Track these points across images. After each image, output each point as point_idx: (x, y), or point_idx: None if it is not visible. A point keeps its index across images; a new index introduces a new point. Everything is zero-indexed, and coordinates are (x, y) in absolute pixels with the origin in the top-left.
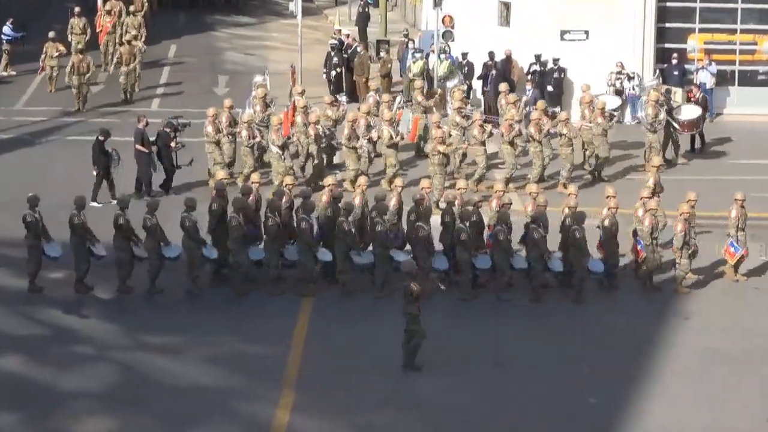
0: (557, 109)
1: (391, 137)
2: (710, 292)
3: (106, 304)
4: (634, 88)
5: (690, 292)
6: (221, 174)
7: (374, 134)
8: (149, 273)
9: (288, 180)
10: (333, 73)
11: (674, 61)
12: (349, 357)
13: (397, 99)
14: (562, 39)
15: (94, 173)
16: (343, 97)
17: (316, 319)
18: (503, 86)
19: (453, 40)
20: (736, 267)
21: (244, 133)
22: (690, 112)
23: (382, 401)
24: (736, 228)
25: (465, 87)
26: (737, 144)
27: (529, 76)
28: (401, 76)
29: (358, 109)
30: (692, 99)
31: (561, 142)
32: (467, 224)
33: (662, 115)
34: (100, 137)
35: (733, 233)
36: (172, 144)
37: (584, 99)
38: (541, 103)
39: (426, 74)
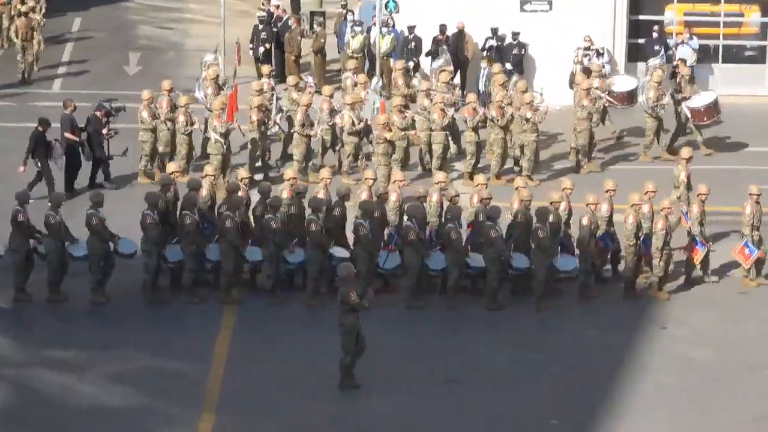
0: (540, 89)
1: (353, 123)
2: (691, 297)
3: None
4: (604, 66)
5: (670, 298)
6: (172, 167)
7: (338, 120)
8: (48, 278)
9: (242, 173)
10: (261, 49)
11: (655, 35)
12: (278, 375)
13: (374, 81)
14: (522, 10)
15: (36, 167)
16: (309, 78)
17: (241, 330)
18: (497, 67)
19: (398, 12)
20: (751, 270)
21: (181, 118)
22: (703, 97)
23: (316, 426)
24: (751, 226)
25: (451, 68)
26: (724, 128)
27: (485, 53)
28: (338, 52)
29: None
30: (681, 76)
31: (524, 128)
32: (414, 221)
33: (666, 99)
34: (39, 128)
35: (748, 232)
36: (104, 131)
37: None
38: (522, 84)
39: (367, 51)
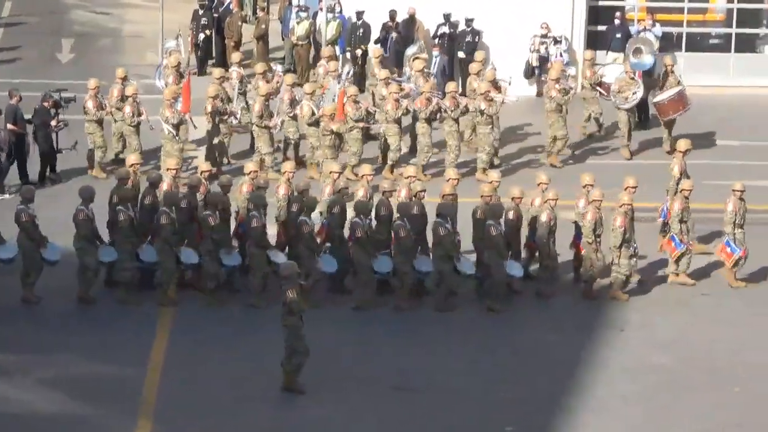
0: (507, 78)
1: (313, 113)
2: (651, 298)
3: None
4: (561, 54)
5: (628, 299)
6: (133, 159)
7: (298, 110)
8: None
9: (204, 167)
10: (201, 35)
11: (617, 22)
12: (217, 379)
13: (345, 69)
14: None
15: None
16: (278, 67)
17: (178, 333)
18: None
19: None
20: (676, 262)
21: (128, 109)
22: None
23: None
24: (733, 224)
25: (426, 55)
26: (687, 121)
27: (437, 40)
28: (282, 39)
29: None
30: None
31: (478, 120)
32: (362, 218)
33: (639, 93)
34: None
35: (730, 230)
36: (53, 123)
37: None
38: (490, 73)
39: (313, 37)
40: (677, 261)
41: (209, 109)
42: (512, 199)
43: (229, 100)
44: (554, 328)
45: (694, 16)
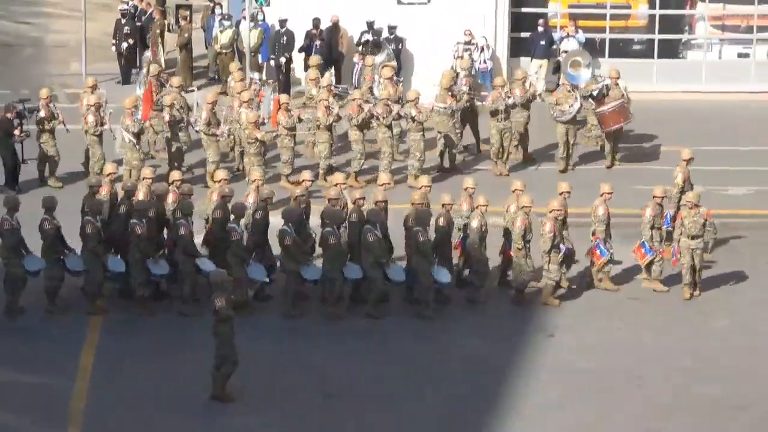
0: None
1: (263, 122)
2: (580, 303)
3: None
4: (485, 61)
5: (560, 305)
6: (176, 175)
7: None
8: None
9: (175, 175)
10: (124, 45)
11: (540, 29)
12: (147, 388)
13: (325, 76)
14: (400, 2)
15: None
16: (255, 75)
17: (107, 342)
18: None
19: (268, 5)
20: (647, 269)
21: (91, 118)
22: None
23: None
24: (651, 228)
25: (395, 63)
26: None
27: (360, 48)
28: (206, 48)
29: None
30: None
31: (409, 127)
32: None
33: (576, 105)
34: None
35: (647, 233)
36: (16, 133)
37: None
38: (467, 77)
39: (236, 45)
40: (648, 267)
41: (167, 118)
42: (443, 205)
43: (189, 108)
44: (483, 333)
45: (616, 22)
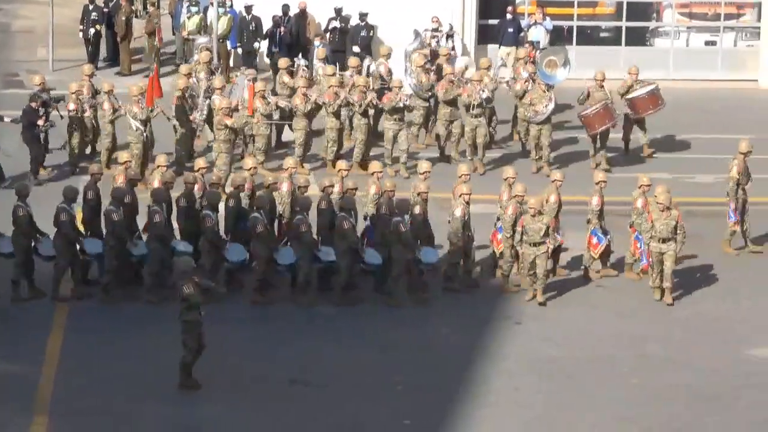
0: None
1: (235, 109)
2: (547, 291)
3: None
4: (453, 49)
5: (518, 291)
6: (202, 162)
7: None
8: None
9: (201, 163)
10: (91, 31)
11: (509, 17)
12: (114, 375)
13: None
14: None
15: None
16: (302, 61)
17: (73, 330)
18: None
19: None
20: (601, 259)
21: (106, 105)
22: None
23: (155, 428)
24: (599, 216)
25: (427, 51)
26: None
27: (328, 35)
28: (173, 34)
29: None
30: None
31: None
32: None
33: (551, 106)
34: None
35: (596, 221)
36: (40, 122)
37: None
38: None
39: (204, 32)
40: (602, 256)
41: (176, 103)
42: (418, 194)
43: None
44: (451, 321)
45: (584, 9)
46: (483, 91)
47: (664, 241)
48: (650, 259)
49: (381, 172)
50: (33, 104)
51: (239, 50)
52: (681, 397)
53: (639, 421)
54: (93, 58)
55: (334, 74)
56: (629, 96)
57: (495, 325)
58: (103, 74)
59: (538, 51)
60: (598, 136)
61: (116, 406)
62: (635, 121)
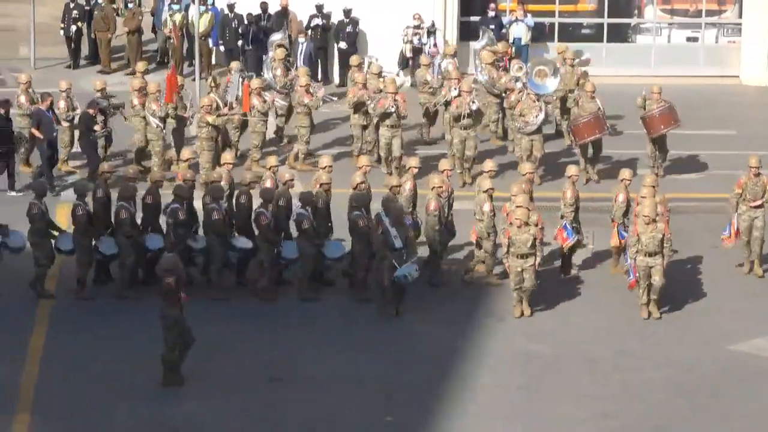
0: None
1: (218, 107)
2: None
3: None
4: (435, 45)
5: (501, 284)
6: (228, 157)
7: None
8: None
9: (227, 158)
10: (73, 28)
11: (491, 13)
12: (96, 373)
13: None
14: None
15: None
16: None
17: (56, 327)
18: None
19: None
20: (570, 254)
21: (62, 104)
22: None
23: (136, 426)
24: (572, 209)
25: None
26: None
27: (310, 32)
28: (154, 32)
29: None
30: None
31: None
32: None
33: (541, 116)
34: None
35: (569, 215)
36: (96, 128)
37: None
38: (375, 67)
39: (186, 30)
40: (570, 251)
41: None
42: (432, 188)
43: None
44: (434, 317)
45: (565, 6)
46: (473, 102)
47: (651, 254)
48: (637, 274)
49: (276, 166)
50: (90, 110)
51: (221, 48)
52: (662, 392)
53: (621, 417)
54: (74, 56)
55: (380, 73)
56: (571, 123)
57: (478, 322)
58: (84, 72)
59: (512, 47)
60: (589, 147)
61: (98, 404)
62: (653, 142)
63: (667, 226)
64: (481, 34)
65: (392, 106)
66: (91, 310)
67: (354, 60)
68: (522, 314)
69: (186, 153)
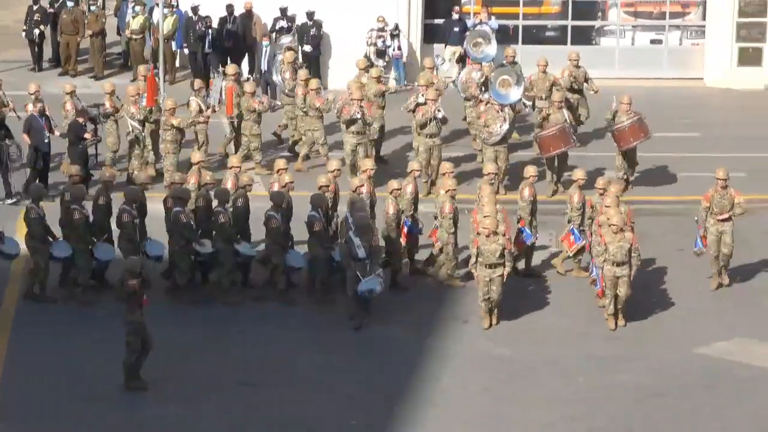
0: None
1: (201, 110)
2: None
3: None
4: (399, 48)
5: (464, 286)
6: (235, 161)
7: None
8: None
9: (234, 161)
10: (36, 31)
11: (455, 16)
12: (60, 379)
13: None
14: None
15: None
16: (440, 59)
17: (19, 333)
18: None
19: None
20: (575, 258)
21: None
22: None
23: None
24: (579, 213)
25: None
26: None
27: (274, 35)
28: (118, 34)
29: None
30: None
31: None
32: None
33: (505, 126)
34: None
35: (576, 218)
36: (87, 136)
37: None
38: (375, 71)
39: (150, 32)
40: (576, 255)
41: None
42: (354, 190)
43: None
44: (398, 320)
45: (529, 8)
46: (439, 110)
47: (618, 264)
48: (603, 284)
49: (239, 167)
50: (80, 119)
51: (185, 51)
52: (629, 395)
53: (587, 420)
54: (37, 59)
55: (379, 77)
56: (537, 135)
57: (443, 324)
58: (48, 75)
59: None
60: (555, 160)
61: (62, 408)
62: (622, 155)
63: (635, 237)
64: (438, 61)
65: (357, 113)
66: (55, 315)
67: (360, 63)
68: (491, 325)
69: (196, 156)
